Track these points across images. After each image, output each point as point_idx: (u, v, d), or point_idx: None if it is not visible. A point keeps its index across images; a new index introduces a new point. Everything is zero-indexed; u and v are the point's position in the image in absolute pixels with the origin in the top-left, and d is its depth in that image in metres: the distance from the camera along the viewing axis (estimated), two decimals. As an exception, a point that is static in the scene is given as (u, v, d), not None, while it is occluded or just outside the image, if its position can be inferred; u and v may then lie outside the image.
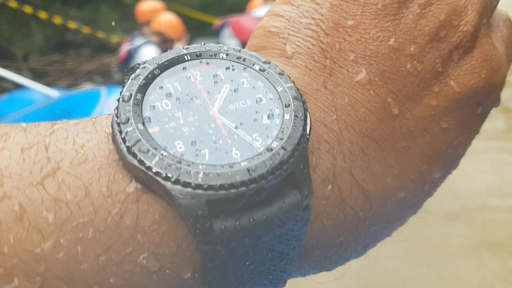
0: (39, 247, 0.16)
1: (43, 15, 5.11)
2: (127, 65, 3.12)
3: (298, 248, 0.19)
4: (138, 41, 3.11)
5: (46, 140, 0.17)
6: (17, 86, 2.86)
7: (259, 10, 3.12)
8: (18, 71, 4.74)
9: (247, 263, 0.18)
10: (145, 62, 0.20)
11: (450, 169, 0.23)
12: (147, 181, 0.17)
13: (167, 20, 3.16)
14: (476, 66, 0.22)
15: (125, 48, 3.19)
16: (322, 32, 0.21)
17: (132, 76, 0.19)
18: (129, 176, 0.17)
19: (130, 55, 3.07)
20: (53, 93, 2.48)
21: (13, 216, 0.15)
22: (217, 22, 3.40)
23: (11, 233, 0.15)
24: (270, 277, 0.19)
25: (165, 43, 3.12)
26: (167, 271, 0.17)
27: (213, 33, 3.65)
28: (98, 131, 0.18)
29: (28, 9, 4.96)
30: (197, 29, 5.41)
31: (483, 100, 0.23)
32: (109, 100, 2.23)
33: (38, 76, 5.04)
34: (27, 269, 0.15)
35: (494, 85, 0.23)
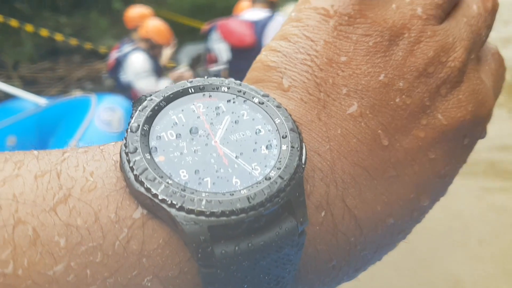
0: (51, 270, 0.16)
1: (29, 28, 5.10)
2: (115, 72, 3.12)
3: (293, 272, 0.20)
4: (126, 48, 3.11)
5: (58, 168, 0.18)
6: (8, 97, 2.84)
7: (246, 13, 3.13)
8: (8, 79, 4.72)
9: (245, 286, 0.19)
10: (151, 95, 0.21)
11: (438, 196, 0.24)
12: (152, 207, 0.18)
13: (154, 26, 3.16)
14: (463, 100, 0.23)
15: (113, 55, 3.19)
16: (317, 67, 0.22)
17: (140, 108, 0.20)
18: (136, 203, 0.18)
19: (119, 62, 3.07)
20: (42, 101, 2.47)
21: (28, 241, 0.16)
22: (205, 26, 3.41)
23: (25, 257, 0.16)
24: None
25: (153, 49, 3.12)
26: None
27: (202, 38, 3.66)
28: (106, 159, 0.19)
29: (14, 23, 4.94)
30: (186, 34, 5.42)
31: (469, 131, 0.24)
32: (99, 108, 2.22)
33: (28, 84, 5.02)
34: None
35: (480, 118, 0.24)
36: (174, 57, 3.43)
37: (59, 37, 5.33)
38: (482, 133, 0.25)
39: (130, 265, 0.17)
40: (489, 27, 0.25)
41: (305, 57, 0.23)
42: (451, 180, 0.24)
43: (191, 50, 5.06)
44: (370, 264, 0.23)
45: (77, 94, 2.60)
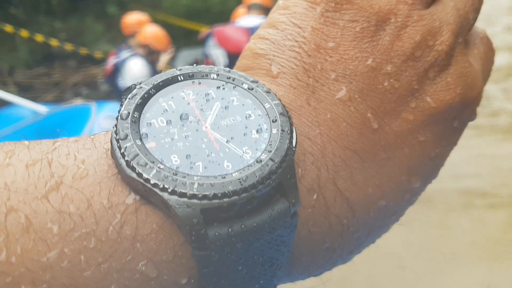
0: (45, 257, 0.17)
1: (24, 33, 5.08)
2: (113, 79, 3.12)
3: (287, 253, 0.20)
4: (124, 54, 3.12)
5: (49, 156, 0.18)
6: (4, 103, 2.83)
7: (242, 20, 3.15)
8: (3, 85, 4.70)
9: (240, 268, 0.19)
10: (141, 83, 0.21)
11: (429, 178, 0.24)
12: (145, 192, 0.18)
13: (152, 32, 3.18)
14: (452, 83, 0.24)
15: (111, 61, 3.20)
16: (305, 53, 0.23)
17: (129, 95, 0.20)
18: (128, 189, 0.18)
19: (117, 68, 3.08)
20: (42, 108, 2.46)
21: (20, 228, 0.16)
22: (203, 31, 3.43)
23: (19, 244, 0.16)
24: (261, 281, 0.20)
25: (151, 55, 3.13)
26: (164, 277, 0.18)
27: (199, 42, 3.67)
28: (97, 147, 0.20)
29: (9, 28, 4.92)
30: (183, 38, 5.42)
31: (459, 114, 0.24)
32: (99, 116, 2.21)
33: (24, 90, 5.00)
34: (33, 277, 0.16)
35: (469, 100, 0.24)
36: (170, 63, 3.44)
37: (54, 42, 5.31)
38: (472, 116, 0.26)
39: (124, 250, 0.17)
40: (476, 10, 0.25)
41: (293, 43, 0.23)
42: (443, 162, 0.25)
43: (187, 55, 5.06)
44: (364, 247, 0.24)
45: (77, 102, 2.59)
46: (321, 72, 0.22)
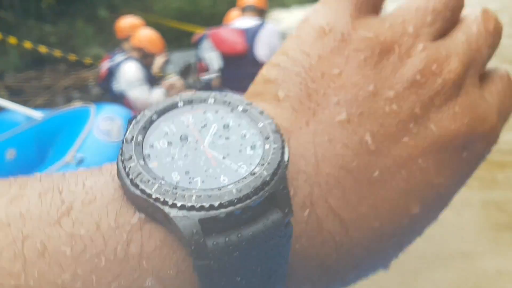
0: (60, 278, 0.17)
1: (12, 40, 5.06)
2: (108, 82, 3.11)
3: (284, 265, 0.21)
4: (119, 57, 3.12)
5: (59, 185, 0.19)
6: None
7: (237, 22, 3.17)
8: (-6, 90, 4.67)
9: (239, 279, 0.20)
10: (144, 111, 0.22)
11: (432, 207, 0.24)
12: (148, 209, 0.19)
13: (146, 35, 3.18)
14: (458, 113, 0.24)
15: (105, 65, 3.19)
16: (310, 79, 0.24)
17: (133, 122, 0.22)
18: (133, 209, 0.19)
19: (111, 72, 3.07)
20: (37, 114, 2.45)
21: (36, 253, 0.18)
22: (196, 34, 3.44)
23: (35, 268, 0.17)
24: None
25: (145, 58, 3.13)
26: None
27: (191, 45, 3.69)
28: (103, 174, 0.21)
29: (-3, 34, 4.89)
30: (174, 41, 5.43)
31: (468, 146, 0.24)
32: (98, 118, 2.21)
33: (14, 93, 4.96)
34: None
35: (479, 133, 0.24)
36: (164, 66, 3.45)
37: (43, 49, 5.28)
38: (484, 151, 0.25)
39: (132, 268, 0.18)
40: (491, 47, 0.26)
41: (300, 70, 0.24)
42: (449, 193, 0.24)
43: (179, 57, 5.07)
44: (364, 270, 0.24)
45: (76, 104, 2.59)
46: (324, 97, 0.23)
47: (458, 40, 0.25)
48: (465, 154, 0.24)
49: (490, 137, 0.25)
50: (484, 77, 0.26)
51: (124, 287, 0.18)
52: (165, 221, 0.19)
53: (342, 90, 0.23)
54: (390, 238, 0.23)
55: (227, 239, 0.19)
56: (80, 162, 1.76)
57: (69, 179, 0.20)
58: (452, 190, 0.24)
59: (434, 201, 0.24)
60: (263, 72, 0.25)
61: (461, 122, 0.23)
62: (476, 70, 0.25)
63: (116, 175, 0.20)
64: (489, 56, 0.26)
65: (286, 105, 0.24)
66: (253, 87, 0.26)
